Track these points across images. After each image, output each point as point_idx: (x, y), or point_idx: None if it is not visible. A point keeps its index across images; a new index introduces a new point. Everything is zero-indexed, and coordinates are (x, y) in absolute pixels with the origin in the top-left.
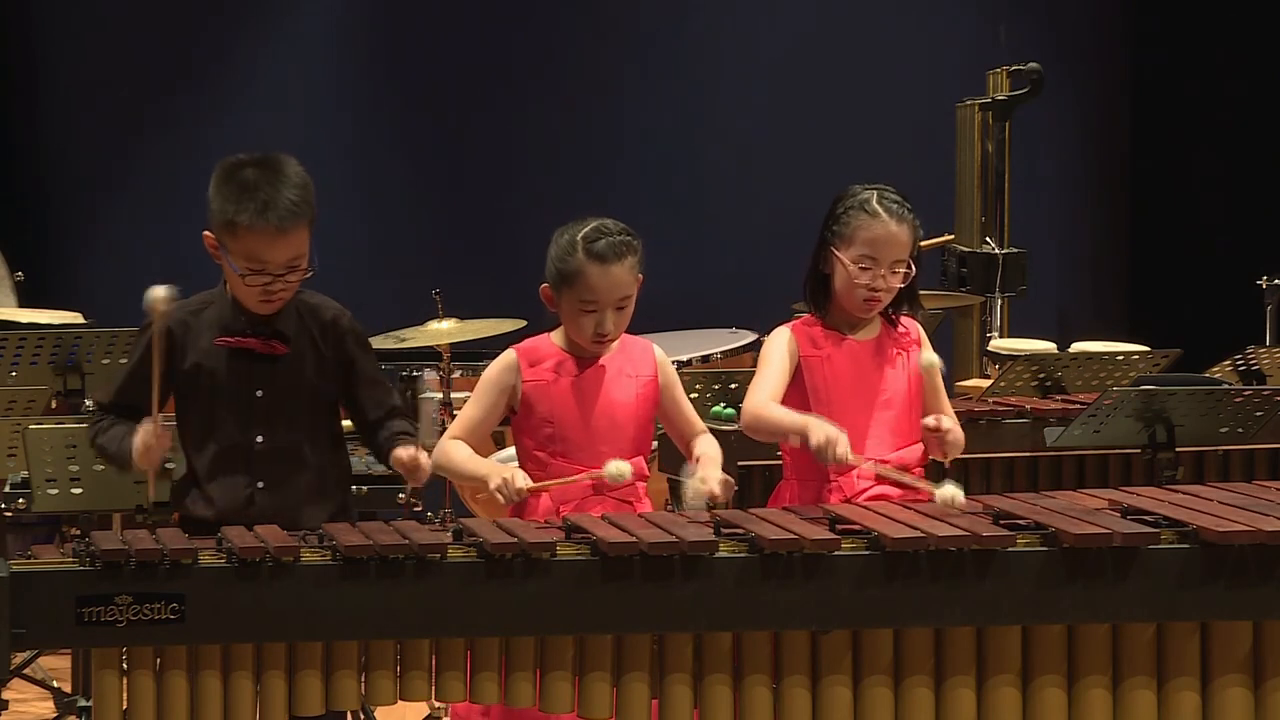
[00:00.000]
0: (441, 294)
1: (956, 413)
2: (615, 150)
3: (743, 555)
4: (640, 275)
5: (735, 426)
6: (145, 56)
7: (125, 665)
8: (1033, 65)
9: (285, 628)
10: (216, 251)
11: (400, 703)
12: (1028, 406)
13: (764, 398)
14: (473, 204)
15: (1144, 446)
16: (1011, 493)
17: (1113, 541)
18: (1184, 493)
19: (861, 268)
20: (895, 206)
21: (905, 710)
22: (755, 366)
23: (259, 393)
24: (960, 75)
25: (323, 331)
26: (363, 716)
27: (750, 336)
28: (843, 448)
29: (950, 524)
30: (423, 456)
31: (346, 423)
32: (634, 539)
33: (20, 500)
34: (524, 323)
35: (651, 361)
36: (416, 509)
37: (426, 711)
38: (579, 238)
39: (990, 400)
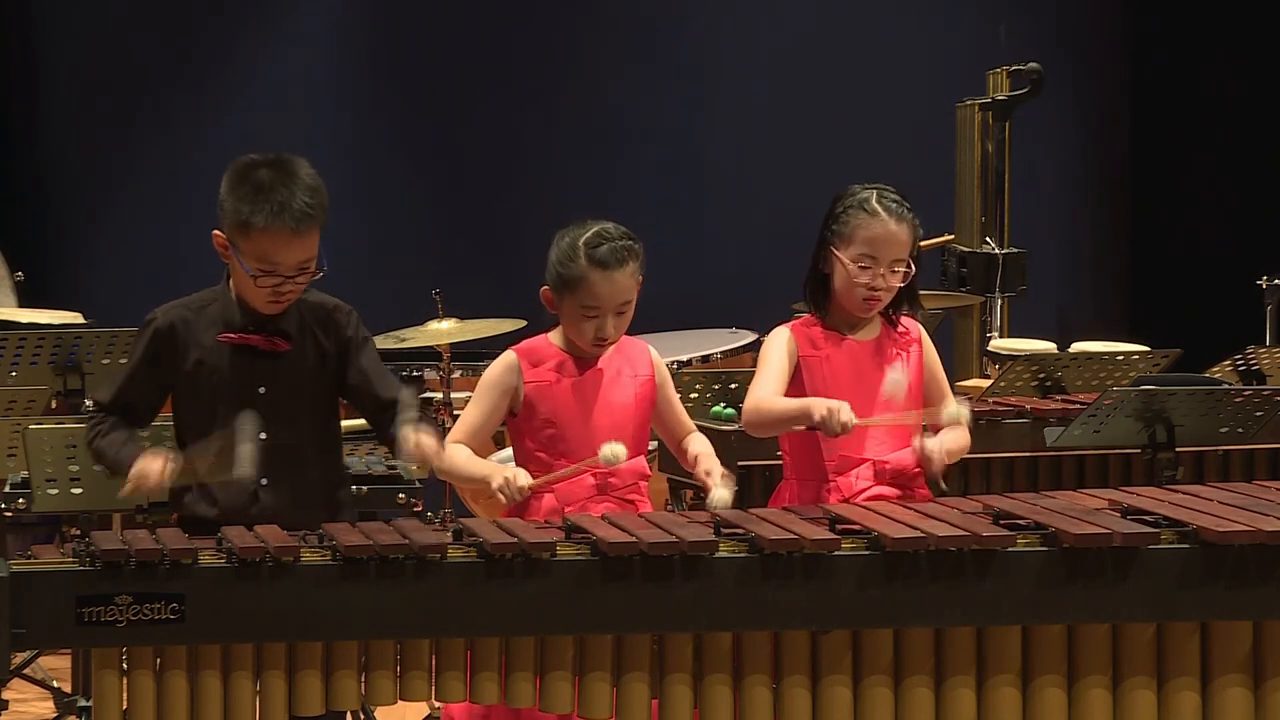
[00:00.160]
0: (441, 294)
1: None
2: (615, 150)
3: (743, 555)
4: (641, 279)
5: (735, 426)
6: (145, 56)
7: (125, 665)
8: (1033, 65)
9: (285, 628)
10: (225, 251)
11: (400, 703)
12: (1028, 406)
13: (763, 395)
14: (473, 204)
15: (1144, 446)
16: (1011, 493)
17: (1113, 541)
18: (1184, 493)
19: (861, 267)
20: (895, 206)
21: (905, 710)
22: (755, 366)
23: (262, 390)
24: (960, 75)
25: (324, 327)
26: (363, 716)
27: (750, 336)
28: (846, 414)
29: (950, 524)
30: (425, 438)
31: (347, 423)
32: (634, 539)
33: (20, 500)
34: (524, 323)
35: (649, 362)
36: (416, 509)
37: (426, 711)
38: (581, 243)
39: (990, 400)
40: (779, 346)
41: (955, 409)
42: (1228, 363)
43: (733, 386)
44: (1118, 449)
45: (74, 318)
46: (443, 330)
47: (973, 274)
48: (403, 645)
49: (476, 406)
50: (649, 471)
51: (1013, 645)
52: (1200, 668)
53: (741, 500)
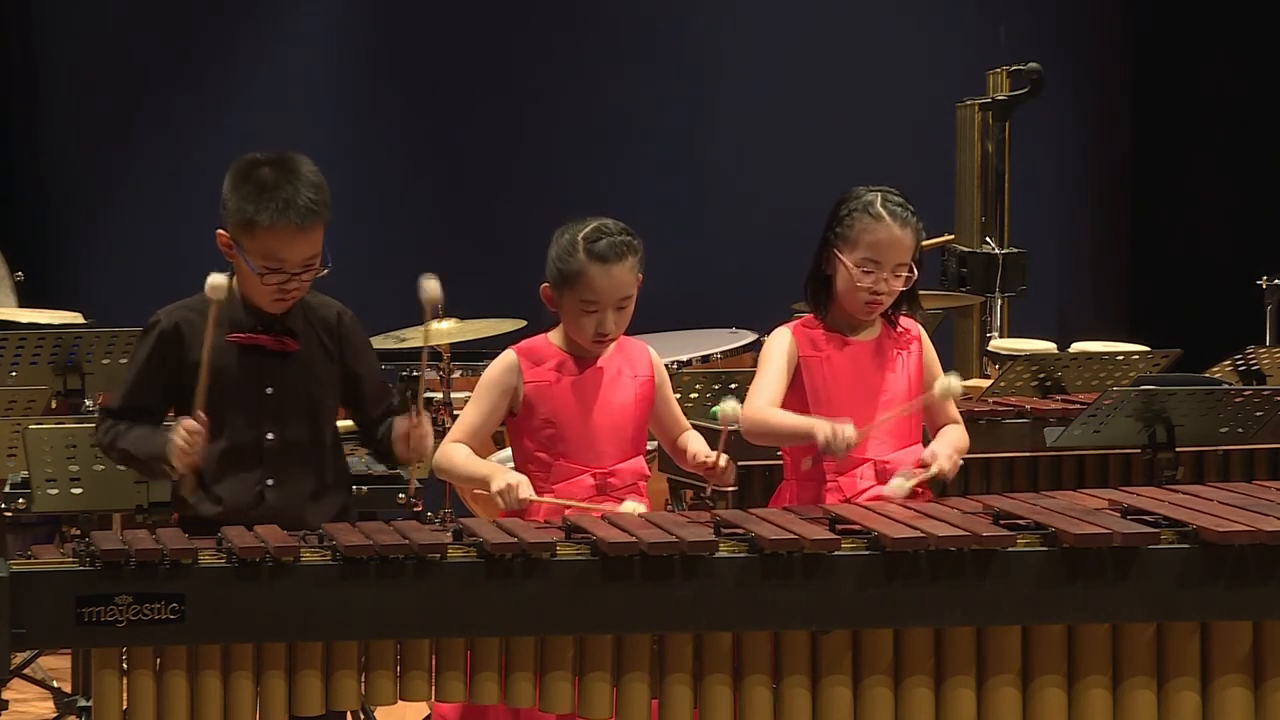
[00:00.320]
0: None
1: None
2: (615, 150)
3: (743, 555)
4: (640, 275)
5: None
6: (145, 56)
7: (125, 665)
8: (1033, 65)
9: (285, 628)
10: (230, 251)
11: (400, 703)
12: (1028, 406)
13: (764, 402)
14: (473, 204)
15: (1144, 446)
16: (1011, 493)
17: (1113, 541)
18: (1184, 493)
19: (864, 271)
20: (899, 209)
21: (905, 710)
22: (755, 366)
23: (269, 390)
24: (960, 75)
25: (328, 329)
26: (363, 716)
27: (750, 336)
28: (850, 432)
29: (950, 524)
30: (424, 421)
31: (344, 423)
32: (634, 539)
33: (20, 500)
34: (524, 323)
35: (648, 362)
36: (416, 509)
37: (426, 711)
38: (580, 238)
39: (990, 400)
40: (779, 348)
41: (945, 382)
42: (1228, 363)
43: (733, 386)
44: (1118, 449)
45: (74, 318)
46: (443, 330)
47: (973, 274)
48: (403, 645)
49: (476, 406)
50: (648, 472)
51: (1013, 645)
52: (1200, 668)
53: (741, 500)
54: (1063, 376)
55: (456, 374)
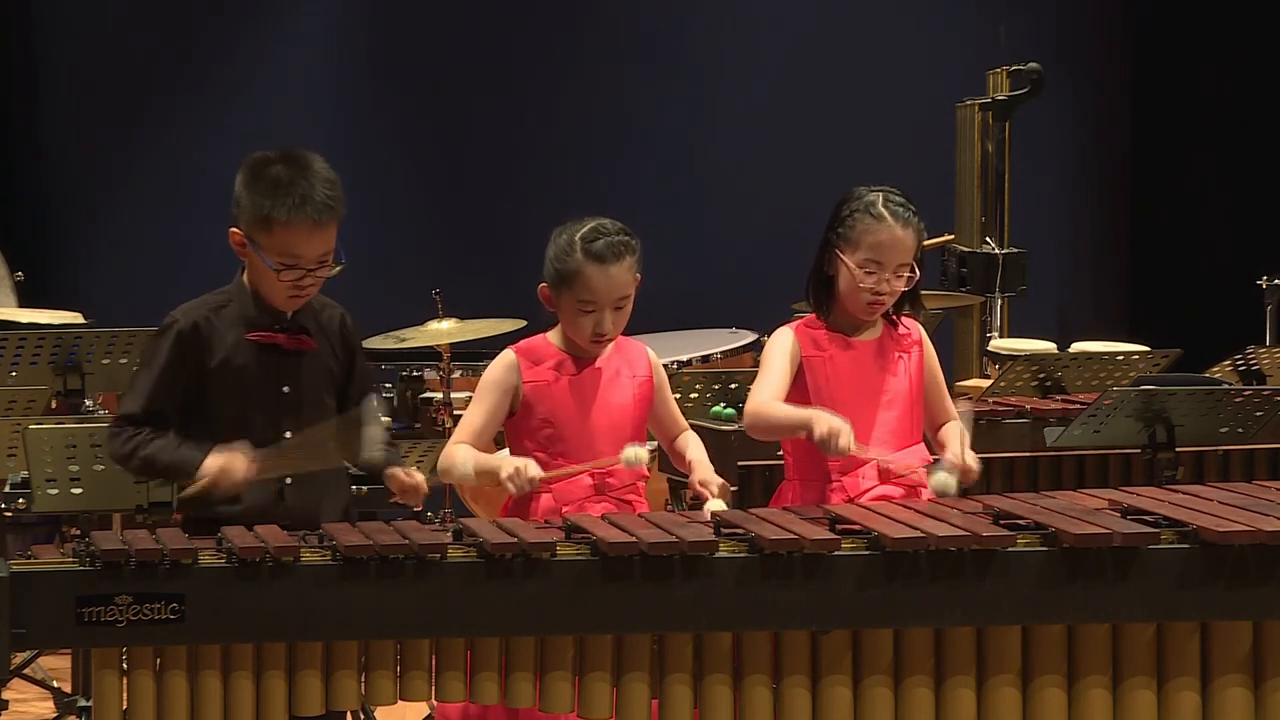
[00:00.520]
0: (441, 294)
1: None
2: (615, 150)
3: (743, 555)
4: (639, 275)
5: (735, 426)
6: (145, 56)
7: (125, 665)
8: (1033, 65)
9: (285, 628)
10: (243, 249)
11: (400, 703)
12: (1028, 406)
13: (766, 397)
14: (473, 204)
15: (1144, 446)
16: (1011, 493)
17: (1113, 541)
18: (1184, 493)
19: (866, 272)
20: (901, 210)
21: (905, 710)
22: (755, 366)
23: (285, 388)
24: (960, 75)
25: (334, 330)
26: (363, 716)
27: (750, 336)
28: (845, 439)
29: (950, 524)
30: (418, 477)
31: None
32: (634, 539)
33: (20, 500)
34: (524, 323)
35: (647, 362)
36: (416, 509)
37: (426, 711)
38: (577, 238)
39: (990, 400)
40: (781, 347)
41: (943, 481)
42: (1228, 363)
43: (733, 386)
44: (1118, 449)
45: (74, 318)
46: (443, 330)
47: (973, 274)
48: (403, 645)
49: (479, 407)
50: (647, 472)
51: (1013, 645)
52: (1200, 668)
53: (741, 500)
54: (1063, 376)
55: (456, 374)
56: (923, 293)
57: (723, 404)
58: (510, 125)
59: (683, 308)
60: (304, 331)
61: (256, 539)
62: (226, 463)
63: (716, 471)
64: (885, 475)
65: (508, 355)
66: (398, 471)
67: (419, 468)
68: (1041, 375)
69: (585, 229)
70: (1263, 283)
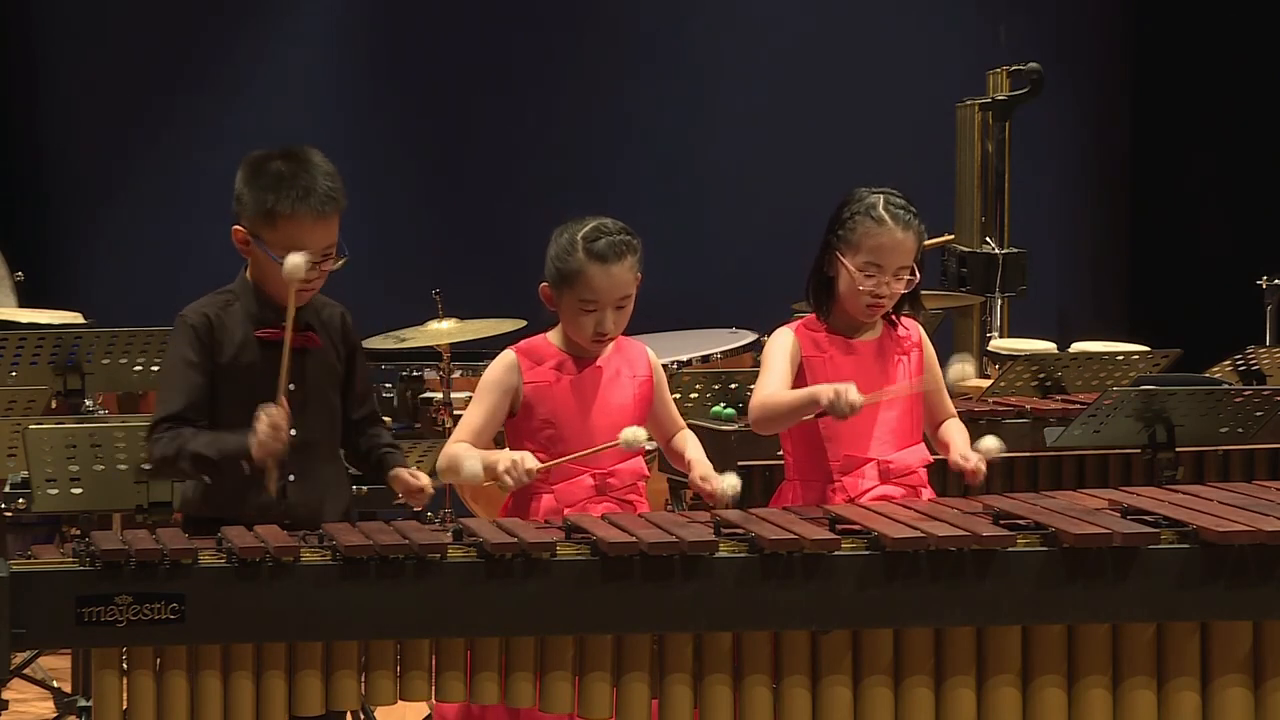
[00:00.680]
0: (441, 294)
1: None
2: (615, 150)
3: (743, 555)
4: (640, 274)
5: (735, 426)
6: (145, 56)
7: (125, 665)
8: (1033, 65)
9: (285, 628)
10: (246, 247)
11: (400, 703)
12: (1028, 406)
13: (769, 391)
14: (473, 204)
15: (1144, 446)
16: (1011, 493)
17: (1113, 541)
18: (1184, 493)
19: (866, 275)
20: (902, 213)
21: (905, 710)
22: (755, 366)
23: (291, 385)
24: (960, 75)
25: (335, 328)
26: (363, 716)
27: (750, 336)
28: (853, 393)
29: (950, 524)
30: (424, 479)
31: None
32: (634, 539)
33: (20, 500)
34: (524, 323)
35: (647, 363)
36: (416, 509)
37: (426, 711)
38: (579, 237)
39: (990, 400)
40: (782, 348)
41: (961, 368)
42: (1228, 363)
43: (733, 386)
44: (1118, 449)
45: (74, 318)
46: (443, 330)
47: (973, 274)
48: (403, 645)
49: (479, 407)
50: (648, 472)
51: (1013, 645)
52: (1200, 668)
53: (742, 500)
54: (1063, 376)
55: (456, 374)
56: (923, 293)
57: (723, 404)
58: (510, 125)
59: (683, 308)
60: (309, 329)
61: (256, 539)
62: (269, 419)
63: (716, 471)
64: (885, 475)
65: (508, 355)
66: (402, 472)
67: (419, 468)
68: (1041, 375)
69: (587, 228)
70: (1263, 283)
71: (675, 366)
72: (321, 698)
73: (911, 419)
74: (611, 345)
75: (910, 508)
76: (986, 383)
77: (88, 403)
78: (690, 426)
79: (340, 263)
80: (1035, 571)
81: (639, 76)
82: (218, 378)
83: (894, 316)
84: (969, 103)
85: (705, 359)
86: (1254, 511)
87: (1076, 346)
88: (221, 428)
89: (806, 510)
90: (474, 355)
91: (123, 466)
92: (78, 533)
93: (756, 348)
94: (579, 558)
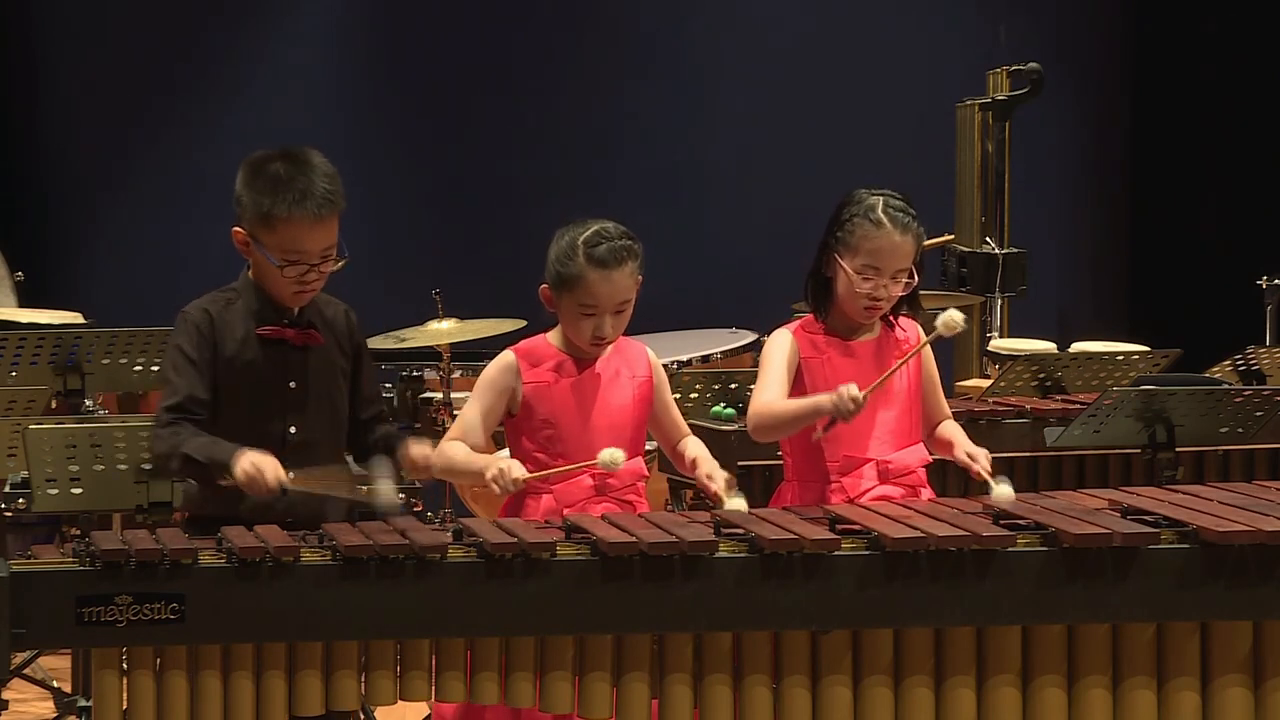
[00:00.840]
0: (441, 294)
1: (956, 413)
2: (615, 150)
3: (743, 555)
4: (640, 278)
5: (735, 426)
6: (145, 56)
7: (125, 665)
8: (1033, 65)
9: (285, 628)
10: (246, 248)
11: (400, 703)
12: (1028, 406)
13: (768, 399)
14: (473, 204)
15: (1144, 446)
16: None
17: (1113, 541)
18: (1184, 493)
19: (864, 277)
20: (900, 216)
21: (905, 710)
22: (755, 366)
23: (292, 384)
24: (960, 75)
25: (340, 326)
26: (362, 716)
27: (750, 336)
28: (853, 389)
29: (950, 524)
30: (434, 456)
31: None
32: (634, 539)
33: (20, 500)
34: (524, 323)
35: (647, 363)
36: (416, 509)
37: (426, 711)
38: (580, 241)
39: (990, 400)
40: (780, 349)
41: (949, 317)
42: (1228, 363)
43: (733, 386)
44: (1118, 449)
45: (74, 318)
46: (443, 330)
47: (973, 274)
48: (403, 645)
49: (474, 405)
50: (647, 473)
51: (1013, 645)
52: (1200, 668)
53: None
54: (1063, 376)
55: (456, 374)
56: (922, 293)
57: (723, 404)
58: (510, 125)
59: (683, 308)
60: (311, 327)
61: (256, 539)
62: (259, 463)
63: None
64: (884, 475)
65: (507, 356)
66: (410, 446)
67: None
68: (1041, 375)
69: (588, 232)
70: (1263, 283)
71: (675, 366)
72: (321, 698)
73: (910, 419)
74: (611, 346)
75: (910, 508)
76: (986, 383)
77: (88, 403)
78: (690, 426)
79: (340, 264)
80: (1035, 571)
81: (639, 76)
82: (219, 374)
83: (892, 318)
84: (969, 103)
85: (705, 359)
86: (1254, 511)
87: (1076, 346)
88: (223, 423)
89: (806, 510)
90: (474, 355)
91: (123, 466)
92: (78, 533)
93: (756, 348)
94: (579, 558)
